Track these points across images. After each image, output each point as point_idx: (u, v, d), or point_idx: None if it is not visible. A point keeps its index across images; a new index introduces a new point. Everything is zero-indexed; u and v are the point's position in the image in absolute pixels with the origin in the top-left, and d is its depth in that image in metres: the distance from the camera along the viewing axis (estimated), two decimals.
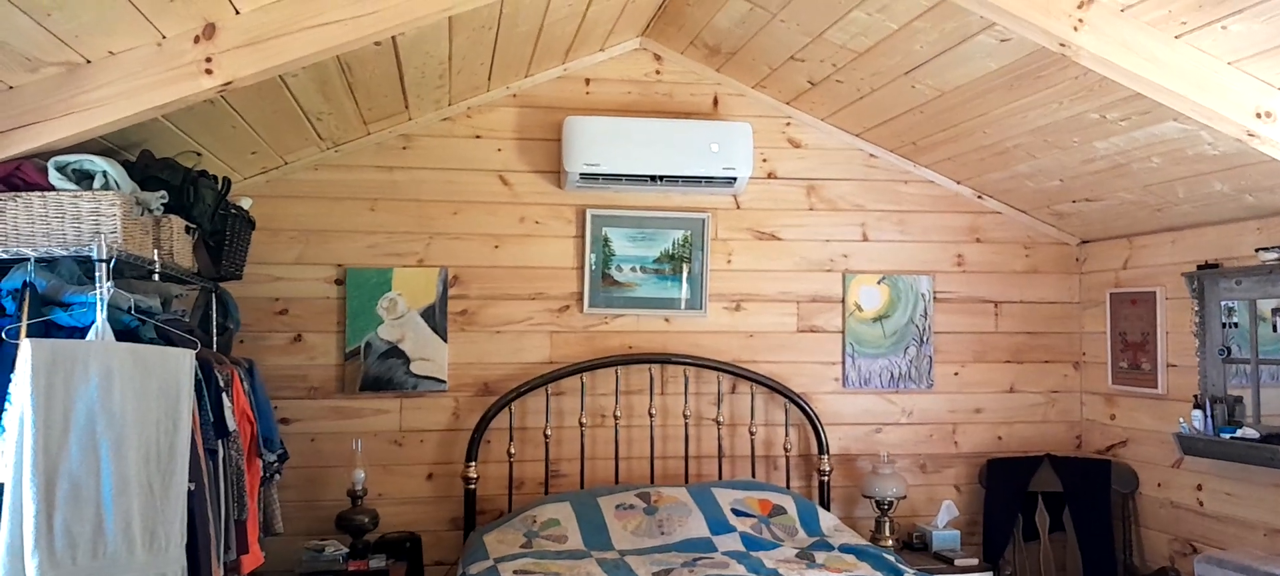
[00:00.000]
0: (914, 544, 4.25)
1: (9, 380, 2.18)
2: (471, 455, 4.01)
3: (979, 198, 4.49)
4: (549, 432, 4.11)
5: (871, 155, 4.43)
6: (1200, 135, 3.11)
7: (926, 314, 4.45)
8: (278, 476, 3.48)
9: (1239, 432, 3.56)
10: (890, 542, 4.12)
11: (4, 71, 2.21)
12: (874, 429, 4.42)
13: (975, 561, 4.05)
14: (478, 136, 4.17)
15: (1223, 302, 3.72)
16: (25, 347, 2.10)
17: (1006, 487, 4.34)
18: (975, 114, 3.64)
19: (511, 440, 4.07)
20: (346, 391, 4.03)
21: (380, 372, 4.05)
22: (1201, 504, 3.86)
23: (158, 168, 2.81)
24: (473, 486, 4.01)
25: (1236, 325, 3.68)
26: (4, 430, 2.18)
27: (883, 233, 4.44)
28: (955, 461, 4.48)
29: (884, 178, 4.44)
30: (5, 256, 2.30)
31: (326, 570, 3.60)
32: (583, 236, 4.21)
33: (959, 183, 4.45)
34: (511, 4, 3.07)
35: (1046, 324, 4.54)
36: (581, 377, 4.16)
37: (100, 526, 2.20)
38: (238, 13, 2.34)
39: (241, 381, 3.19)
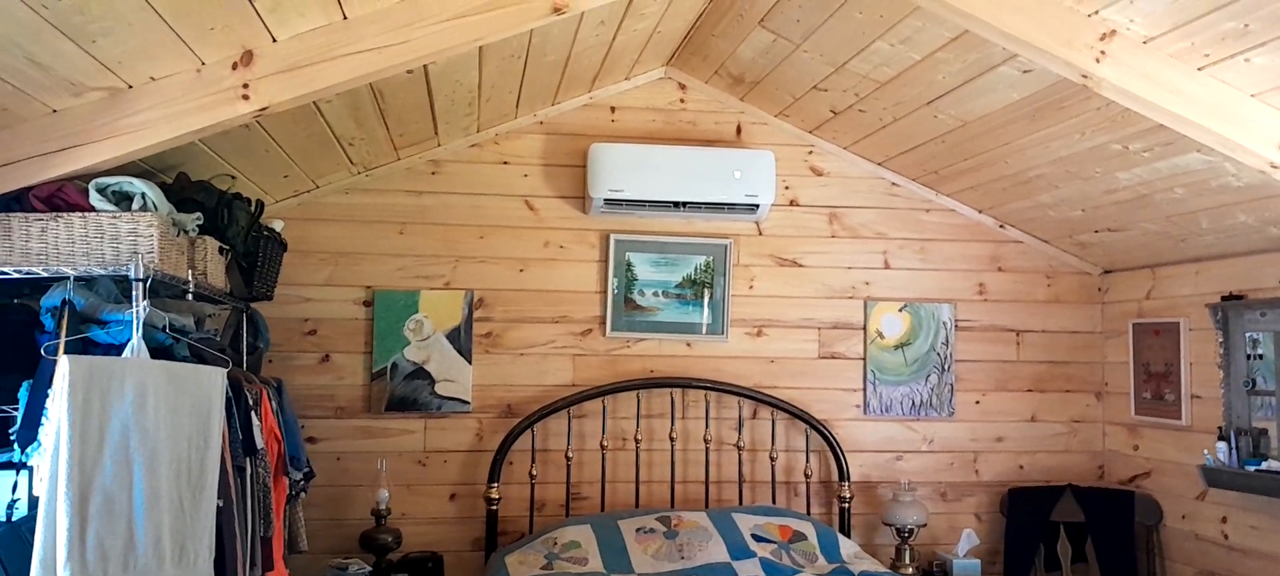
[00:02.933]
0: (934, 572, 4.23)
1: (46, 395, 2.24)
2: (494, 476, 4.05)
3: (1001, 227, 4.50)
4: (571, 455, 4.15)
5: (893, 183, 4.45)
6: (1224, 167, 3.12)
7: (948, 342, 4.45)
8: (304, 494, 3.52)
9: (1264, 465, 3.53)
10: (910, 570, 4.11)
11: (49, 95, 2.29)
12: (895, 456, 4.42)
13: None
14: (505, 162, 4.23)
15: (1247, 334, 3.70)
16: (63, 364, 2.17)
17: (1028, 517, 4.32)
18: (997, 143, 3.66)
19: (534, 462, 4.11)
20: (372, 411, 4.09)
21: (406, 393, 4.11)
22: (1226, 537, 3.82)
23: (193, 190, 2.88)
24: (495, 507, 4.05)
25: (1261, 357, 3.66)
26: (40, 444, 2.25)
27: (904, 260, 4.45)
28: (976, 490, 4.46)
29: (906, 206, 4.47)
30: (46, 275, 2.37)
31: None
32: (606, 261, 4.25)
33: (981, 211, 4.47)
34: (540, 34, 3.13)
35: (1068, 353, 4.53)
36: (603, 401, 4.19)
37: (131, 540, 2.25)
38: (275, 40, 2.41)
39: (270, 400, 3.25)
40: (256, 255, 3.14)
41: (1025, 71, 3.05)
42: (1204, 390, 3.93)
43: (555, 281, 4.25)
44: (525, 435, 4.11)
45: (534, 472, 4.11)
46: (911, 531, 4.16)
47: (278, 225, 3.45)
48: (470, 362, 4.16)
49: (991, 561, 4.36)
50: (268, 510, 3.10)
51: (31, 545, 2.16)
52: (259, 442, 2.97)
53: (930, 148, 3.96)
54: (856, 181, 4.44)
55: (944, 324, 4.45)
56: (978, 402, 4.47)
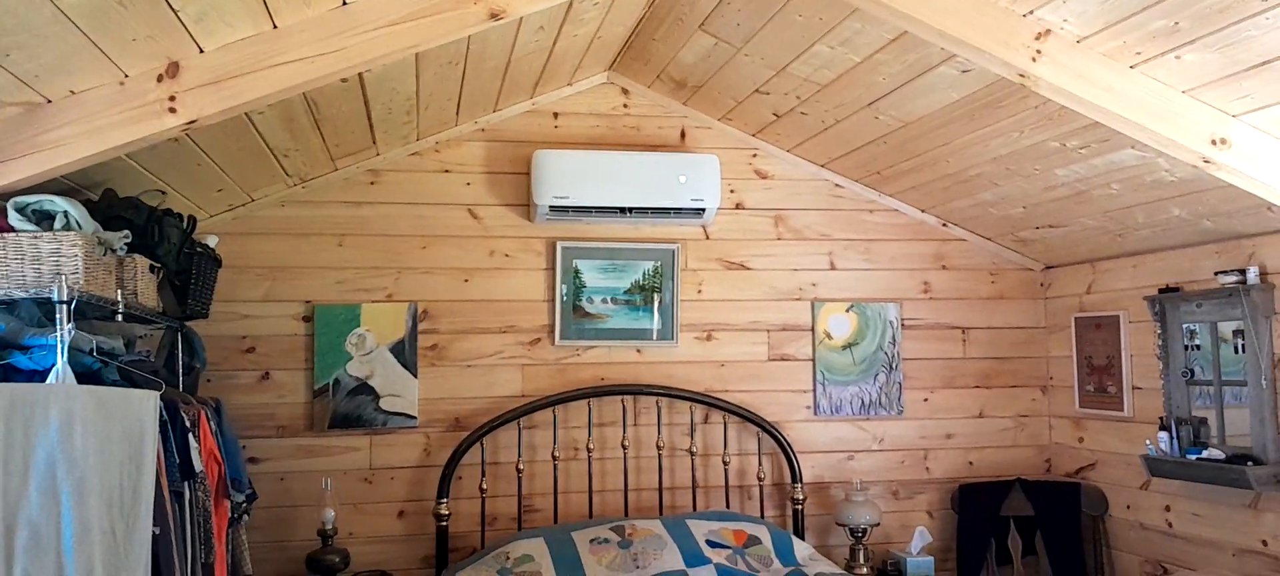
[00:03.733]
0: (888, 571, 4.25)
1: None
2: (443, 491, 3.98)
3: (944, 225, 4.54)
4: (521, 467, 4.09)
5: (837, 185, 4.47)
6: (1157, 162, 3.18)
7: (895, 340, 4.48)
8: (247, 517, 3.42)
9: (1205, 453, 3.61)
10: (865, 570, 4.12)
11: None
12: (846, 456, 4.44)
13: None
14: (446, 171, 4.17)
15: (1184, 325, 3.78)
16: None
17: (979, 512, 4.36)
18: (938, 143, 3.69)
19: (484, 475, 4.05)
20: (315, 429, 3.99)
21: (349, 410, 4.02)
22: (1170, 525, 3.90)
23: (121, 207, 2.78)
24: (445, 523, 3.98)
25: (1199, 347, 3.74)
26: None
27: (850, 261, 4.48)
28: (927, 487, 4.50)
29: (850, 207, 4.49)
30: None
31: None
32: (553, 269, 4.21)
33: (924, 211, 4.51)
34: (478, 41, 3.08)
35: (1013, 349, 4.59)
36: (554, 410, 4.14)
37: (61, 573, 2.15)
38: (202, 51, 2.33)
39: (208, 421, 3.15)
40: (190, 272, 3.05)
41: (964, 71, 3.07)
42: (1145, 381, 4.01)
43: (502, 291, 4.19)
44: (474, 448, 4.04)
45: (484, 486, 4.04)
46: (865, 531, 4.18)
47: (212, 240, 3.35)
48: (416, 376, 4.09)
49: (944, 558, 4.39)
50: (209, 535, 3.00)
51: None
52: (198, 466, 2.87)
53: (873, 149, 3.99)
54: (801, 183, 4.45)
55: (891, 323, 4.48)
56: (926, 400, 4.51)
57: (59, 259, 2.29)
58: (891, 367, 4.48)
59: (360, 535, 3.98)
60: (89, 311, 2.48)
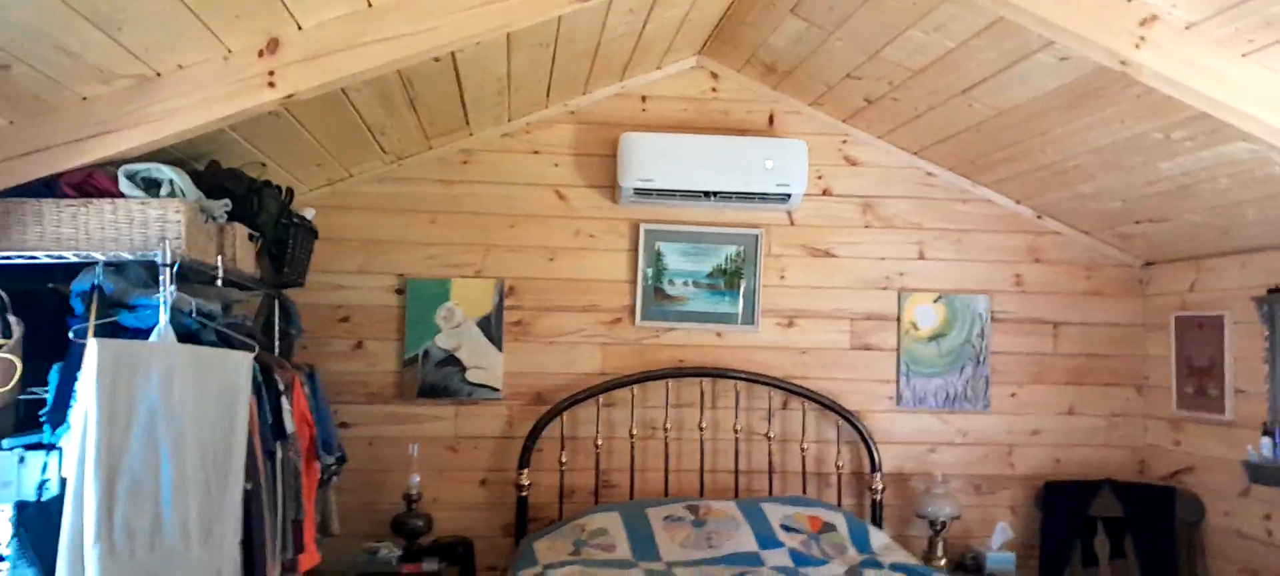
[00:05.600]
0: (967, 565, 4.17)
1: (76, 378, 2.29)
2: (524, 463, 4.07)
3: (1038, 217, 4.41)
4: (599, 443, 4.15)
5: (929, 173, 4.38)
6: (1270, 156, 3.02)
7: (983, 334, 4.38)
8: (336, 479, 3.56)
9: None
10: (943, 563, 4.06)
11: (78, 83, 2.32)
12: (928, 448, 4.36)
13: None
14: (535, 152, 4.24)
15: None
16: (91, 347, 2.21)
17: (1065, 511, 4.24)
18: (1035, 133, 3.58)
19: (563, 449, 4.12)
20: (404, 397, 4.12)
21: (437, 380, 4.14)
22: (1270, 533, 3.72)
23: (223, 177, 2.92)
24: (525, 493, 4.07)
25: None
26: (70, 427, 2.29)
27: (940, 251, 4.39)
28: (1011, 483, 4.39)
29: (942, 196, 4.39)
30: (76, 259, 2.41)
31: (380, 571, 3.68)
32: (636, 250, 4.24)
33: (1018, 202, 4.38)
34: (569, 22, 3.12)
35: (1108, 346, 4.43)
36: (632, 390, 4.18)
37: (158, 521, 2.29)
38: (300, 28, 2.43)
39: (302, 386, 3.29)
40: (287, 242, 3.18)
41: (1062, 59, 2.97)
42: (1248, 385, 3.83)
43: (585, 270, 4.24)
44: (554, 422, 4.12)
45: (563, 460, 4.11)
46: (944, 524, 4.11)
47: (309, 213, 3.49)
48: (501, 350, 4.18)
49: (1026, 556, 4.28)
50: (298, 494, 3.13)
51: (59, 525, 2.21)
52: (289, 427, 3.00)
53: (966, 137, 3.89)
54: (892, 171, 4.38)
55: (980, 315, 4.38)
56: (1013, 395, 4.40)
57: (164, 224, 2.42)
58: (979, 361, 4.38)
59: (444, 501, 4.10)
60: (190, 275, 2.62)
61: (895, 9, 3.10)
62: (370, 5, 2.45)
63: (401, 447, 4.06)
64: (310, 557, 3.27)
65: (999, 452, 4.39)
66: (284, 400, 2.98)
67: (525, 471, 4.07)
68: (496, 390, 4.17)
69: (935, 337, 4.37)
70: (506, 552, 4.08)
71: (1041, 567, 4.23)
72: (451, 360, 4.15)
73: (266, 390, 2.84)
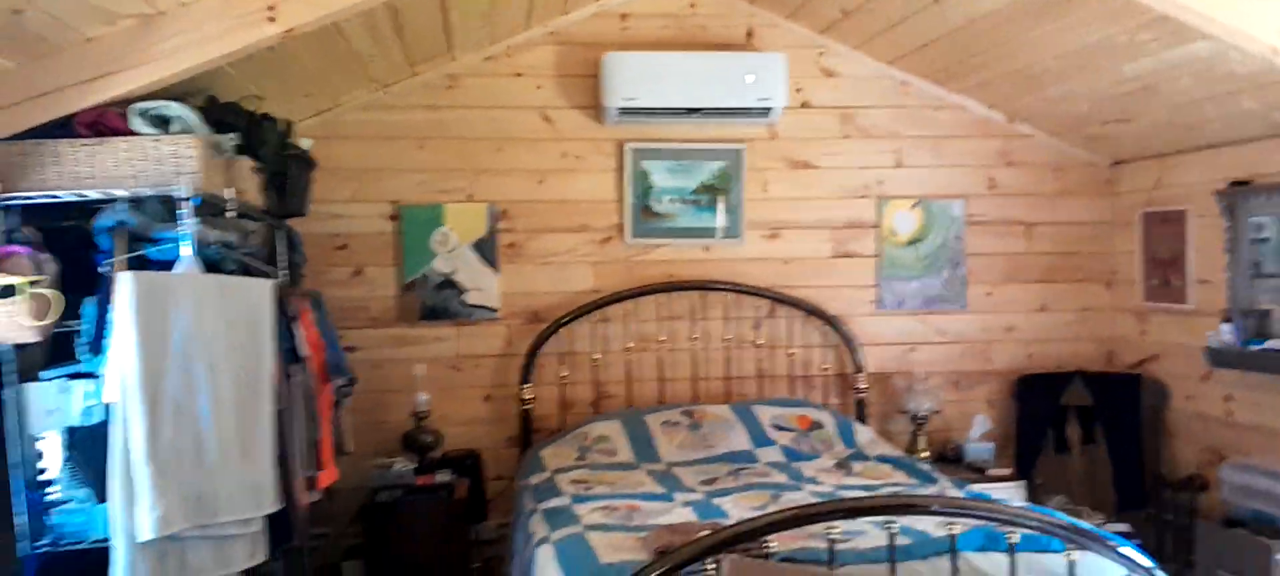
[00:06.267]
0: (949, 456, 4.41)
1: (109, 310, 2.41)
2: (525, 378, 4.24)
3: (1010, 122, 4.56)
4: (596, 357, 4.32)
5: (904, 83, 4.51)
6: (1228, 55, 3.16)
7: (960, 236, 4.55)
8: (347, 400, 3.71)
9: (1267, 344, 3.65)
10: (925, 454, 4.29)
11: (84, 24, 2.39)
12: (908, 348, 4.57)
13: (1008, 472, 4.22)
14: (519, 75, 4.31)
15: (1253, 219, 3.79)
16: (126, 280, 2.32)
17: (1038, 402, 4.48)
18: (1005, 39, 3.71)
19: (562, 364, 4.28)
20: (406, 320, 4.26)
21: (436, 303, 4.27)
22: (1230, 414, 3.97)
23: (224, 112, 2.99)
24: (528, 407, 4.25)
25: (1266, 241, 3.75)
26: (108, 355, 2.41)
27: (917, 159, 4.53)
28: (988, 378, 4.62)
29: (917, 104, 4.52)
30: (99, 197, 2.51)
31: (397, 483, 3.86)
32: (622, 170, 4.36)
33: (991, 108, 4.52)
34: None
35: (1078, 244, 4.63)
36: (625, 305, 4.34)
37: (200, 439, 2.44)
38: None
39: (309, 312, 3.41)
40: (286, 173, 3.27)
41: None
42: (1210, 274, 4.04)
43: (574, 191, 4.36)
44: (552, 339, 4.28)
45: (563, 374, 4.29)
46: (925, 418, 4.34)
47: (305, 143, 3.57)
48: (497, 272, 4.31)
49: (1004, 445, 4.52)
50: (315, 414, 3.29)
51: (106, 445, 2.35)
52: (302, 351, 3.14)
53: (939, 45, 4.01)
54: (868, 82, 4.49)
55: (956, 219, 4.55)
56: (989, 294, 4.60)
57: (178, 159, 2.51)
58: (956, 263, 4.56)
59: (451, 417, 4.27)
60: (203, 208, 2.72)
61: None
62: None
63: (406, 368, 4.21)
64: (330, 474, 3.44)
65: (976, 349, 4.61)
66: (295, 326, 3.11)
67: (526, 386, 4.25)
68: (494, 310, 4.31)
69: (914, 242, 4.54)
70: (512, 463, 4.27)
71: (1017, 455, 4.49)
72: (449, 283, 4.29)
73: (279, 317, 2.96)
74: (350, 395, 3.71)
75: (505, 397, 4.33)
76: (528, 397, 4.25)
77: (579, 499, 3.37)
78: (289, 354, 3.06)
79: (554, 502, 3.37)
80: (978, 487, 3.64)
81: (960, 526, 2.54)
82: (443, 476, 3.93)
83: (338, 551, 4.02)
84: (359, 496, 3.94)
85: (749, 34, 4.41)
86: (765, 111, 4.21)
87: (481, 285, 4.31)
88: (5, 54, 2.33)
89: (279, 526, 2.78)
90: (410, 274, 4.26)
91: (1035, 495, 4.23)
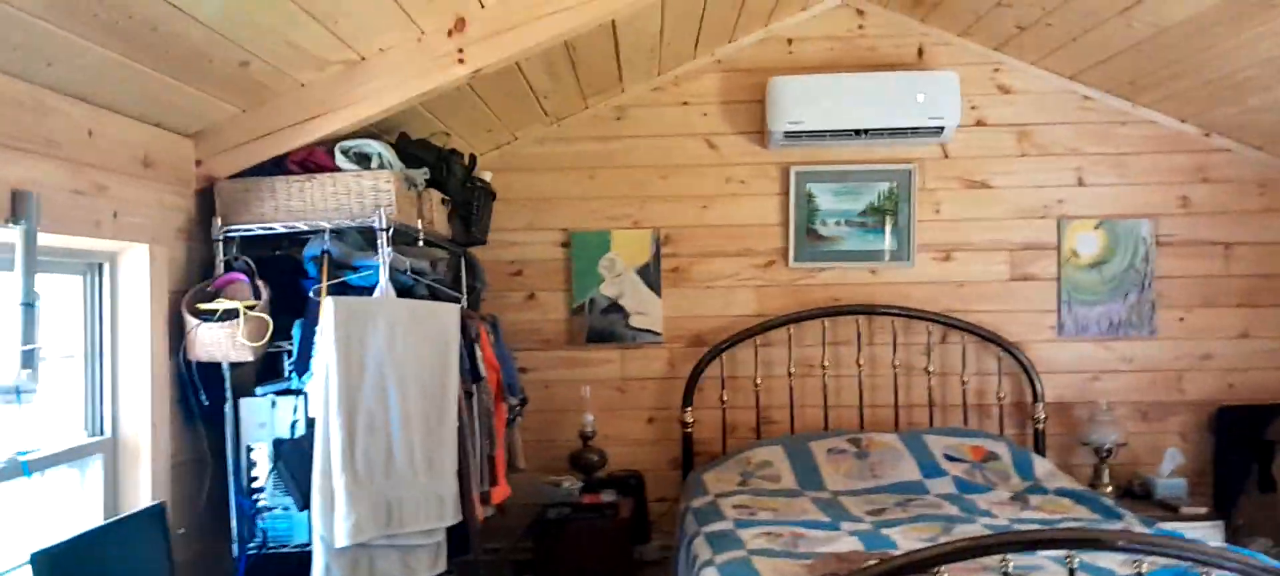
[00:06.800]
0: (1135, 492, 4.16)
1: (314, 332, 2.62)
2: (687, 401, 4.29)
3: (1206, 135, 4.27)
4: (758, 382, 4.32)
5: (1086, 97, 4.30)
6: None
7: (1147, 258, 4.30)
8: (520, 419, 3.88)
9: None
10: (1109, 489, 4.06)
11: (299, 71, 2.62)
12: (1091, 377, 4.34)
13: (1204, 510, 3.93)
14: (685, 103, 4.39)
15: None
16: (328, 304, 2.52)
17: (1240, 436, 4.15)
18: (1200, 48, 3.49)
19: (723, 388, 4.32)
20: (574, 343, 4.40)
21: (603, 326, 4.40)
22: None
23: (414, 147, 3.21)
24: (689, 430, 4.29)
25: None
26: (313, 373, 2.63)
27: (1099, 177, 4.32)
28: (1181, 409, 4.32)
29: (1100, 120, 4.31)
30: (306, 228, 2.74)
31: (565, 501, 3.99)
32: (787, 193, 4.36)
33: (1183, 121, 4.25)
34: None
35: None
36: (788, 329, 4.33)
37: (390, 452, 2.61)
38: (483, 6, 2.66)
39: (487, 334, 3.59)
40: (471, 204, 3.46)
41: None
42: None
43: (737, 216, 4.40)
44: (714, 363, 4.31)
45: (724, 398, 4.31)
46: (1109, 450, 4.10)
47: (487, 176, 3.76)
48: (660, 296, 4.39)
49: (1198, 481, 4.22)
50: (491, 431, 3.45)
51: (310, 456, 2.56)
52: (482, 371, 3.31)
53: (1125, 57, 3.81)
54: (1046, 97, 4.32)
55: (1143, 239, 4.30)
56: (1182, 320, 4.31)
57: (377, 193, 2.71)
58: (1143, 286, 4.30)
59: (615, 438, 4.37)
60: (397, 238, 2.91)
61: None
62: None
63: (574, 389, 4.35)
64: (503, 490, 3.59)
65: (1167, 378, 4.33)
66: (476, 347, 3.28)
67: (688, 409, 4.30)
68: (658, 334, 4.39)
69: (1097, 264, 4.32)
70: (674, 485, 4.33)
71: (1216, 493, 4.17)
72: (615, 307, 4.40)
73: (463, 338, 3.13)
74: (522, 414, 3.87)
75: (667, 420, 4.39)
76: (689, 420, 4.30)
77: (742, 524, 3.37)
78: (470, 373, 3.23)
79: (717, 526, 3.39)
80: (1168, 526, 3.42)
81: (1149, 565, 2.39)
82: (608, 496, 4.02)
83: (508, 566, 4.19)
84: (529, 512, 4.08)
85: (920, 52, 4.33)
86: (937, 131, 4.12)
87: (646, 309, 4.40)
88: (231, 100, 2.59)
89: (456, 538, 2.94)
90: (578, 298, 4.40)
91: (1235, 536, 3.92)
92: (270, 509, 2.72)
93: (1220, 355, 4.31)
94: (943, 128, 4.09)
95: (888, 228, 4.35)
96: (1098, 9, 3.48)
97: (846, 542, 3.13)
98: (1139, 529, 3.20)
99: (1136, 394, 4.33)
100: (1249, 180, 4.28)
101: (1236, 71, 3.57)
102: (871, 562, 2.46)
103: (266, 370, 2.89)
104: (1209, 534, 3.75)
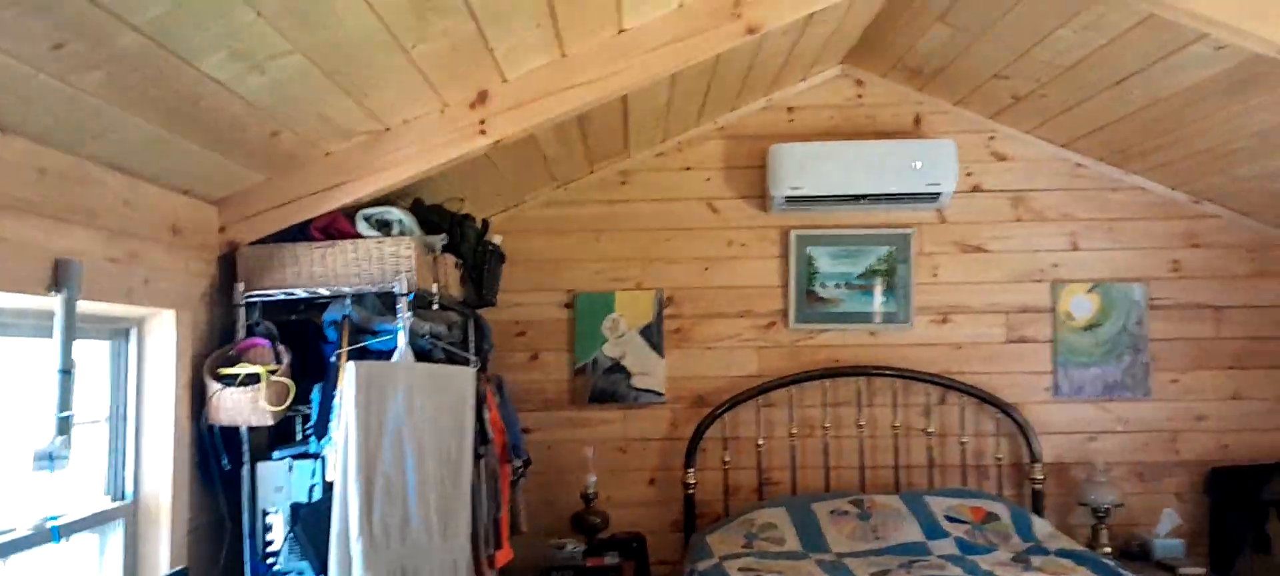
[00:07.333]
0: (1133, 552, 4.20)
1: (334, 395, 2.65)
2: (690, 462, 4.32)
3: (1196, 202, 4.39)
4: (761, 443, 4.36)
5: (1078, 165, 4.43)
6: None
7: (1141, 321, 4.39)
8: (523, 480, 3.89)
9: None
10: (1108, 550, 4.10)
11: (326, 142, 2.69)
12: (1088, 437, 4.40)
13: (1202, 571, 3.97)
14: (688, 168, 4.49)
15: None
16: (349, 369, 2.55)
17: (1235, 496, 4.21)
18: (1191, 119, 3.61)
19: (726, 449, 4.35)
20: (577, 403, 4.43)
21: (606, 386, 4.43)
22: None
23: (428, 212, 3.27)
24: (691, 491, 4.32)
25: None
26: (331, 438, 2.65)
27: (1093, 241, 4.42)
28: (1176, 470, 4.39)
29: (1092, 186, 4.43)
30: (328, 294, 2.78)
31: (568, 565, 3.99)
32: (787, 256, 4.44)
33: (1173, 188, 4.38)
34: (728, 50, 3.35)
35: (1276, 328, 4.37)
36: (790, 390, 4.38)
37: (407, 517, 2.63)
38: (505, 81, 2.74)
39: (493, 395, 3.62)
40: (483, 267, 3.51)
41: (1219, 48, 3.03)
42: None
43: (739, 278, 4.47)
44: (716, 424, 4.35)
45: (726, 459, 4.35)
46: (1107, 511, 4.15)
47: (497, 239, 3.82)
48: (663, 356, 4.44)
49: (1195, 542, 4.27)
50: (497, 492, 3.47)
51: (328, 520, 2.57)
52: (489, 433, 3.34)
53: (1117, 127, 3.94)
54: (1040, 164, 4.44)
55: (1136, 303, 4.39)
56: (1175, 381, 4.39)
57: (397, 259, 2.76)
58: (1137, 349, 4.39)
59: (617, 499, 4.39)
60: (413, 302, 2.96)
61: (1043, 12, 3.21)
62: (563, 55, 2.73)
63: (575, 450, 4.37)
64: (506, 554, 3.60)
65: (1162, 439, 4.40)
66: (484, 409, 3.31)
67: (691, 470, 4.32)
68: (660, 394, 4.43)
69: (1091, 327, 4.41)
70: (676, 547, 4.34)
71: (1211, 553, 4.22)
72: (618, 367, 4.44)
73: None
74: (525, 476, 3.89)
75: (669, 481, 4.42)
76: (691, 481, 4.32)
77: None
78: (478, 435, 3.25)
79: None
80: None
81: None
82: (611, 558, 4.03)
83: None
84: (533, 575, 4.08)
85: (917, 121, 4.45)
86: (934, 196, 4.22)
87: (648, 369, 4.44)
88: (258, 168, 2.65)
89: None
90: (582, 358, 4.44)
91: None
92: (285, 574, 2.72)
93: (1213, 416, 4.38)
94: (939, 193, 4.19)
95: (887, 290, 4.43)
96: (1092, 81, 3.60)
97: None
98: None
99: (1132, 455, 4.39)
100: (1238, 245, 4.40)
101: (1225, 142, 3.69)
102: None
103: (278, 435, 2.90)
104: None
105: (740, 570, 3.63)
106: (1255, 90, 3.21)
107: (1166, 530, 4.16)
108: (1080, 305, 4.41)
